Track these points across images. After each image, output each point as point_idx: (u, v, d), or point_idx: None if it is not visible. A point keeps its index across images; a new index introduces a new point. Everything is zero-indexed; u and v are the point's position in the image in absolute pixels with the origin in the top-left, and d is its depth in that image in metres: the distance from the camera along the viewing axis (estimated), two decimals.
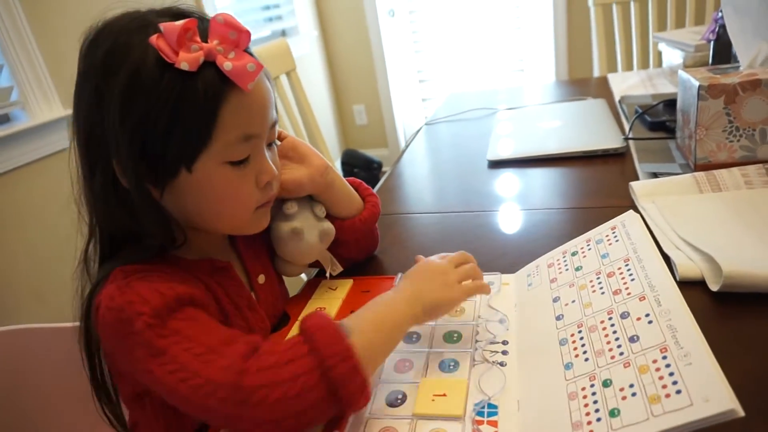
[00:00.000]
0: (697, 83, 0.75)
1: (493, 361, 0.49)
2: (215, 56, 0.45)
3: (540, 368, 0.45)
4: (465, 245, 0.75)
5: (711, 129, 0.76)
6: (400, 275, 0.66)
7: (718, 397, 0.31)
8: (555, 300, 0.52)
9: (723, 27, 1.08)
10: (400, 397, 0.47)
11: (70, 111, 1.51)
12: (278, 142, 0.61)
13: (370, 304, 0.50)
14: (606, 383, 0.38)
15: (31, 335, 0.76)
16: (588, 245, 0.55)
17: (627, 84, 1.40)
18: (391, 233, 0.82)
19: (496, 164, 1.04)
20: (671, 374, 0.34)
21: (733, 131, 0.76)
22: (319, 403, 0.41)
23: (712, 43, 1.14)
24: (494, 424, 0.43)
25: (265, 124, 0.51)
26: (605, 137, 1.02)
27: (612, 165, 0.94)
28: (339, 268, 0.69)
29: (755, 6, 0.88)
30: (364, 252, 0.73)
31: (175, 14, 0.47)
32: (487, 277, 0.62)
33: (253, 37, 0.48)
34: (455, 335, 0.54)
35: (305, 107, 1.42)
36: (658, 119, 1.01)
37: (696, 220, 0.65)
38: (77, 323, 0.53)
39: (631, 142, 0.98)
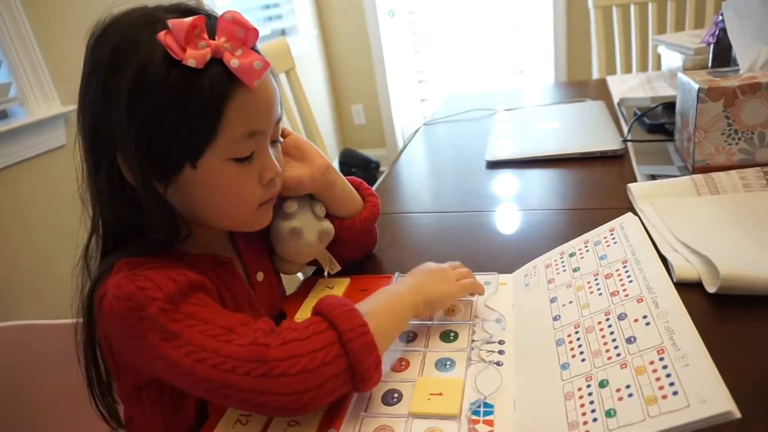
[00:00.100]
0: (696, 86, 0.75)
1: (490, 361, 0.49)
2: (222, 53, 0.45)
3: (536, 368, 0.45)
4: (463, 245, 0.76)
5: (710, 132, 0.76)
6: (397, 274, 0.66)
7: (715, 398, 0.31)
8: (552, 300, 0.52)
9: (723, 30, 1.08)
10: (396, 395, 0.47)
11: (68, 108, 1.51)
12: (281, 140, 0.61)
13: (376, 293, 0.52)
14: (602, 384, 0.38)
15: (29, 331, 0.76)
16: (586, 246, 0.55)
17: (626, 86, 1.41)
18: (388, 233, 0.82)
19: (495, 165, 1.04)
20: (668, 375, 0.34)
21: (732, 134, 0.76)
22: (338, 375, 0.42)
23: (711, 46, 1.15)
24: (490, 423, 0.42)
25: (270, 121, 0.51)
26: (604, 139, 1.02)
27: (610, 167, 0.94)
28: (337, 267, 0.68)
29: (756, 9, 0.88)
30: (362, 251, 0.73)
31: (183, 11, 0.47)
32: (485, 277, 0.62)
33: None
34: (452, 335, 0.54)
35: (304, 106, 1.42)
36: (657, 121, 1.01)
37: (694, 223, 0.65)
38: (75, 320, 0.53)
39: (629, 144, 0.98)
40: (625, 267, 0.48)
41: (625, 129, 1.05)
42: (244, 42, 0.46)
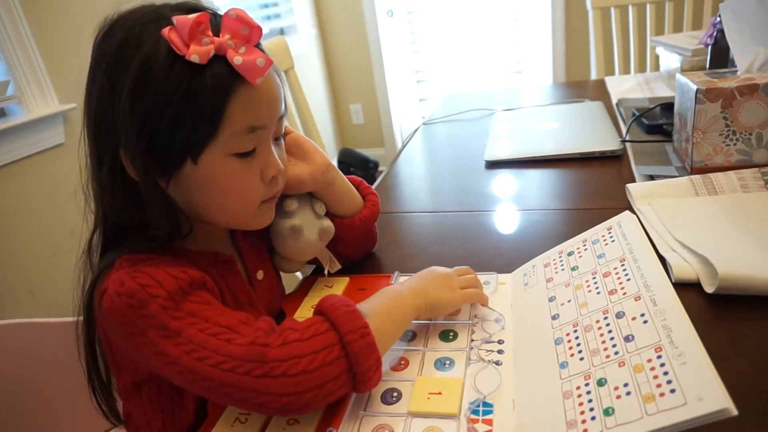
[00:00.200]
0: (694, 87, 0.75)
1: (489, 360, 0.49)
2: (226, 50, 0.45)
3: (535, 367, 0.46)
4: (462, 245, 0.76)
5: (708, 132, 0.77)
6: (396, 273, 0.67)
7: (712, 396, 0.31)
8: (551, 299, 0.52)
9: (721, 32, 1.08)
10: (395, 394, 0.47)
11: (66, 106, 1.51)
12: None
13: (379, 293, 0.52)
14: (601, 382, 0.38)
15: (27, 330, 0.76)
16: (584, 245, 0.55)
17: (624, 87, 1.41)
18: (387, 232, 0.82)
19: (494, 165, 1.04)
20: (666, 373, 0.35)
21: (730, 135, 0.76)
22: (338, 376, 0.42)
23: (709, 47, 1.15)
24: (489, 422, 0.43)
25: (273, 117, 0.51)
26: (602, 139, 1.02)
27: (609, 167, 0.94)
28: (337, 266, 0.69)
29: (754, 11, 0.89)
30: (362, 250, 0.74)
31: (190, 9, 0.47)
32: (484, 277, 0.62)
33: None
34: (451, 334, 0.54)
35: (303, 106, 1.42)
36: (655, 122, 1.02)
37: (692, 223, 0.65)
38: (73, 318, 0.53)
39: (627, 144, 0.99)
40: (623, 265, 0.48)
41: (624, 129, 1.05)
42: (248, 40, 0.47)
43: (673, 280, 0.56)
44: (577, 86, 1.62)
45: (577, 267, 0.53)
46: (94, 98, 0.48)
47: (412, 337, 0.55)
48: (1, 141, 1.35)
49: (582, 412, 0.37)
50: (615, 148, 0.97)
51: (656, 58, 1.64)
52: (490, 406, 0.44)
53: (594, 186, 0.89)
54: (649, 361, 0.36)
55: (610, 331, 0.42)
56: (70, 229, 1.45)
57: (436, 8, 3.03)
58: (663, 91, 1.31)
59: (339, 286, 0.67)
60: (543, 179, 0.96)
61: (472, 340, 0.53)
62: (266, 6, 2.74)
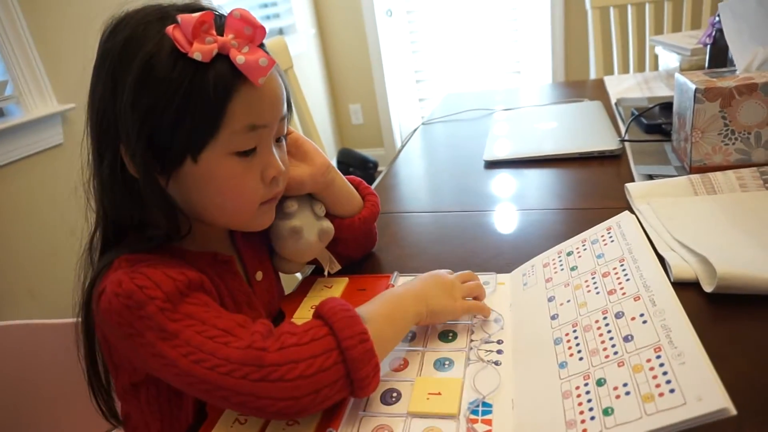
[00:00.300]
0: (693, 86, 0.75)
1: (488, 361, 0.49)
2: (229, 49, 0.45)
3: (534, 367, 0.46)
4: (461, 245, 0.76)
5: (707, 132, 0.77)
6: (396, 274, 0.67)
7: (711, 395, 0.31)
8: (550, 299, 0.52)
9: (720, 31, 1.08)
10: (394, 395, 0.47)
11: (65, 106, 1.51)
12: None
13: (380, 297, 0.52)
14: (600, 382, 0.38)
15: (27, 331, 0.76)
16: (583, 245, 0.55)
17: (623, 86, 1.41)
18: (387, 232, 0.82)
19: (493, 164, 1.04)
20: (665, 373, 0.35)
21: (729, 134, 0.76)
22: (335, 382, 0.42)
23: (708, 47, 1.15)
24: (488, 422, 0.43)
25: (275, 117, 0.51)
26: (601, 139, 1.02)
27: (608, 167, 0.94)
28: (337, 266, 0.69)
29: (753, 11, 0.89)
30: (362, 250, 0.74)
31: (195, 9, 0.47)
32: (483, 277, 0.62)
33: None
34: (450, 334, 0.54)
35: (302, 106, 1.42)
36: (654, 122, 1.02)
37: (691, 223, 0.65)
38: (72, 319, 0.53)
39: (627, 144, 0.99)
40: (622, 265, 0.48)
41: (623, 129, 1.06)
42: (252, 39, 0.47)
43: (672, 280, 0.56)
44: (576, 86, 1.62)
45: (577, 267, 0.53)
46: (97, 95, 0.48)
47: (411, 337, 0.55)
48: None
49: (581, 412, 0.37)
50: (614, 148, 0.97)
51: (655, 57, 1.64)
52: (490, 406, 0.44)
53: (593, 186, 0.89)
54: (649, 361, 0.36)
55: (609, 331, 0.42)
56: (69, 229, 1.45)
57: (435, 8, 3.03)
58: (662, 91, 1.31)
59: (338, 287, 0.67)
60: (542, 179, 0.96)
61: (472, 341, 0.53)
62: (265, 6, 2.74)
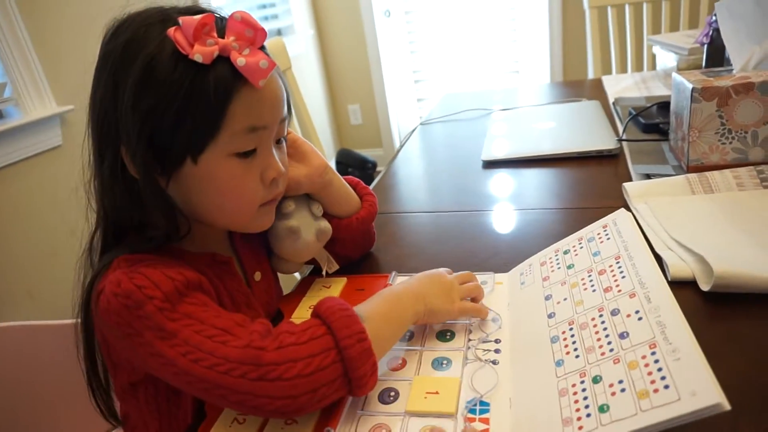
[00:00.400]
0: (690, 86, 0.76)
1: (486, 360, 0.50)
2: (230, 51, 0.46)
3: (531, 366, 0.46)
4: (459, 244, 0.76)
5: (704, 131, 0.77)
6: (394, 274, 0.67)
7: (705, 391, 0.31)
8: (547, 298, 0.52)
9: (717, 30, 1.09)
10: (392, 394, 0.48)
11: (64, 108, 1.50)
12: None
13: (378, 295, 0.52)
14: (596, 379, 0.38)
15: (26, 332, 0.76)
16: (580, 243, 0.55)
17: (621, 86, 1.41)
18: (385, 232, 0.82)
19: (491, 164, 1.04)
20: (660, 369, 0.35)
21: (726, 134, 0.76)
22: (333, 381, 0.42)
23: (705, 46, 1.15)
24: (486, 421, 0.43)
25: (275, 119, 0.51)
26: (599, 138, 1.02)
27: (605, 166, 0.94)
28: (335, 266, 0.69)
29: (750, 10, 0.89)
30: (359, 250, 0.74)
31: (197, 12, 0.48)
32: (481, 277, 0.62)
33: None
34: (448, 334, 0.54)
35: (300, 106, 1.42)
36: (652, 121, 1.02)
37: (688, 222, 0.65)
38: (71, 320, 0.53)
39: (624, 143, 0.99)
40: (618, 263, 0.48)
41: (621, 128, 1.06)
42: (253, 42, 0.47)
43: (669, 279, 0.56)
44: (575, 85, 1.63)
45: (573, 265, 0.53)
46: (98, 96, 0.49)
47: (410, 336, 0.55)
48: None
49: (577, 410, 0.37)
50: (612, 147, 0.97)
51: (653, 57, 1.64)
52: (487, 405, 0.44)
53: (591, 185, 0.89)
54: (644, 357, 0.37)
55: (605, 329, 0.42)
56: (68, 230, 1.45)
57: (433, 8, 3.03)
58: (659, 90, 1.32)
59: (336, 287, 0.67)
60: (540, 179, 0.96)
61: (470, 340, 0.53)
62: (264, 7, 2.74)
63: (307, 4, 3.02)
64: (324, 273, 0.68)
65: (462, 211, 0.87)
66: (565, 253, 0.56)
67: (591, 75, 1.87)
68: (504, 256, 0.69)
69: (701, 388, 0.31)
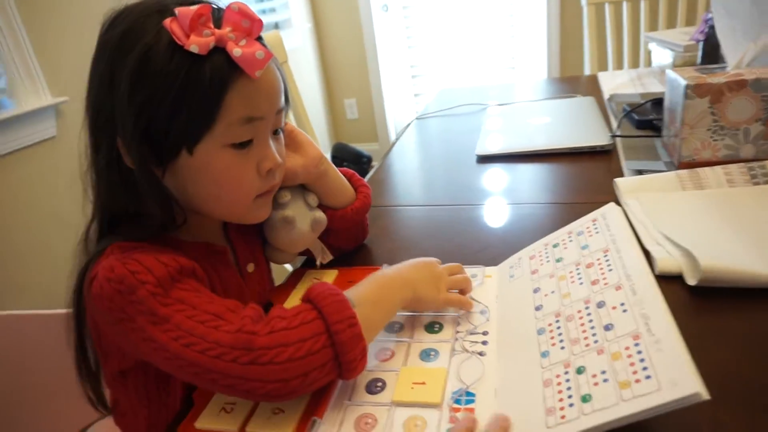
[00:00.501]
0: (683, 82, 0.76)
1: (473, 351, 0.50)
2: (226, 42, 0.46)
3: (517, 357, 0.46)
4: (451, 238, 0.76)
5: (696, 128, 0.77)
6: (385, 266, 0.67)
7: (685, 381, 0.31)
8: (535, 291, 0.52)
9: (712, 28, 1.09)
10: (379, 384, 0.48)
11: (58, 99, 1.50)
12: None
13: (369, 280, 0.52)
14: (580, 370, 0.39)
15: (16, 322, 0.76)
16: (569, 237, 0.56)
17: (616, 82, 1.41)
18: (378, 224, 0.82)
19: (485, 159, 1.04)
20: (642, 360, 0.35)
21: (718, 130, 0.76)
22: (324, 365, 0.43)
23: (701, 43, 1.16)
24: (471, 411, 0.43)
25: (271, 109, 0.51)
26: (593, 134, 1.03)
27: (599, 162, 0.95)
28: (329, 257, 0.69)
29: (745, 7, 0.89)
30: (353, 241, 0.74)
31: (194, 2, 0.48)
32: (471, 270, 0.62)
33: None
34: (437, 326, 0.55)
35: (296, 100, 1.42)
36: (646, 117, 1.02)
37: (677, 217, 0.66)
38: (61, 310, 0.53)
39: (618, 139, 0.99)
40: (606, 256, 0.48)
41: (614, 124, 1.06)
42: (249, 33, 0.47)
43: (656, 273, 0.57)
44: (571, 81, 1.63)
45: (562, 258, 0.53)
46: (95, 86, 0.49)
47: (399, 328, 0.55)
48: None
49: (561, 399, 0.38)
50: (605, 143, 0.97)
51: (649, 53, 1.64)
52: (473, 395, 0.45)
53: (584, 180, 0.89)
54: (627, 348, 0.37)
55: (591, 321, 0.42)
56: (62, 221, 1.45)
57: (431, 3, 3.02)
58: (655, 87, 1.32)
59: (328, 279, 0.67)
60: (533, 173, 0.96)
61: (458, 332, 0.53)
62: (261, 0, 2.73)
63: None
64: (318, 263, 0.68)
65: (455, 205, 0.88)
66: (555, 246, 0.57)
67: (587, 71, 1.87)
68: (495, 250, 0.69)
69: (682, 379, 0.32)
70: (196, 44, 0.44)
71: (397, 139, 1.30)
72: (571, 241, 0.55)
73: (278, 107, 0.52)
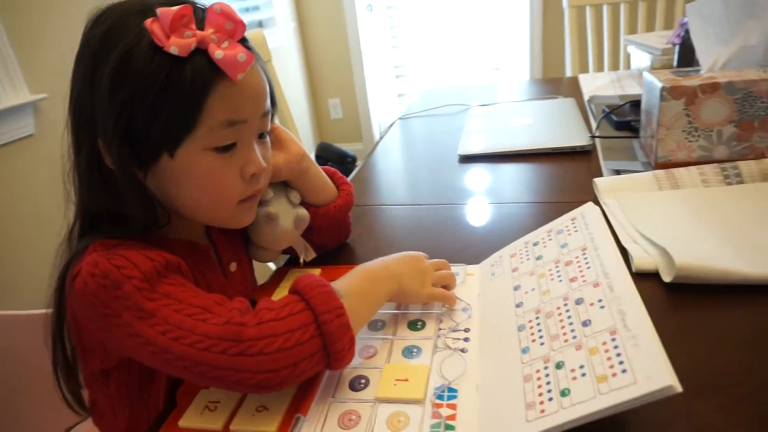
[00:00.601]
0: (659, 84, 0.78)
1: (455, 348, 0.51)
2: (208, 44, 0.45)
3: (498, 353, 0.47)
4: (434, 237, 0.77)
5: (672, 129, 0.79)
6: None
7: (659, 374, 0.33)
8: (516, 288, 0.53)
9: (688, 32, 1.11)
10: (363, 381, 0.48)
11: (37, 96, 1.48)
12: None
13: (355, 272, 0.53)
14: (559, 365, 0.40)
15: None
16: (549, 235, 0.57)
17: (596, 84, 1.44)
18: (362, 223, 0.83)
19: (467, 159, 1.05)
20: (618, 355, 0.36)
21: (692, 131, 0.79)
22: (313, 355, 0.43)
23: (677, 47, 1.18)
24: (453, 407, 0.44)
25: (255, 113, 0.51)
26: (573, 135, 1.04)
27: (579, 162, 0.96)
28: (312, 255, 0.69)
29: (718, 13, 0.91)
30: (336, 239, 0.74)
31: (178, 2, 0.47)
32: (453, 268, 0.63)
33: None
34: (419, 323, 0.55)
35: (280, 99, 1.42)
36: (624, 119, 1.04)
37: (654, 216, 0.67)
38: (41, 311, 0.52)
39: (597, 140, 1.01)
40: (584, 254, 0.49)
41: (594, 125, 1.08)
42: (232, 35, 0.47)
43: (633, 270, 0.58)
44: (552, 83, 1.65)
45: (542, 256, 0.55)
46: (77, 84, 0.48)
47: (382, 326, 0.56)
48: None
49: (540, 394, 0.38)
50: (585, 144, 0.99)
51: (628, 56, 1.67)
52: (455, 391, 0.45)
53: (564, 180, 0.91)
54: (604, 343, 0.38)
55: (569, 317, 0.43)
56: (41, 220, 1.43)
57: (415, 4, 3.04)
58: (634, 89, 1.34)
59: None
60: (515, 173, 0.97)
61: (440, 329, 0.54)
62: None
63: None
64: (301, 261, 0.68)
65: (438, 204, 0.88)
66: (535, 245, 0.58)
67: (569, 73, 1.89)
68: (477, 249, 0.70)
69: (656, 372, 0.33)
70: (176, 45, 0.44)
71: (380, 138, 1.30)
72: (550, 239, 0.56)
73: (263, 110, 0.52)
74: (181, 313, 0.43)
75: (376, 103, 3.30)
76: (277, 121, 1.50)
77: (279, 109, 1.41)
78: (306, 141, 3.12)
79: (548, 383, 0.39)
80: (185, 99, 0.45)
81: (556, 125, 1.15)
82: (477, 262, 0.65)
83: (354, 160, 3.14)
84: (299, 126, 1.61)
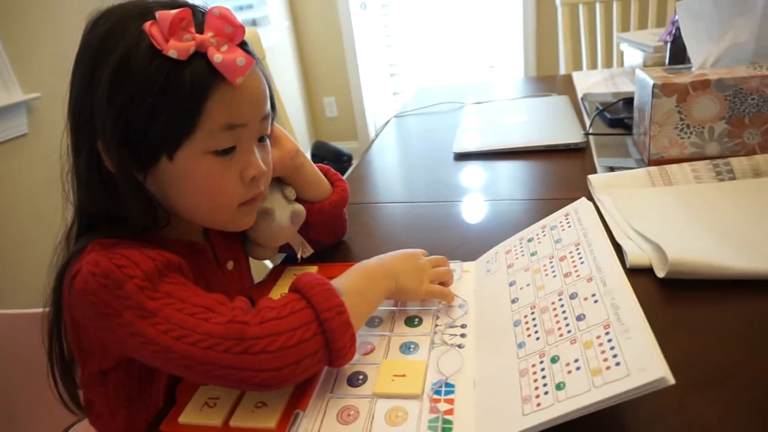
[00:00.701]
0: (651, 81, 0.78)
1: (452, 344, 0.51)
2: (207, 48, 0.45)
3: (495, 349, 0.48)
4: (429, 234, 0.78)
5: (664, 126, 0.80)
6: None
7: (652, 367, 0.33)
8: (511, 284, 0.54)
9: (679, 29, 1.12)
10: (361, 377, 0.49)
11: (30, 95, 1.47)
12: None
13: (354, 270, 0.53)
14: (554, 359, 0.40)
15: None
16: (543, 231, 0.57)
17: (590, 82, 1.45)
18: (358, 221, 0.83)
19: (462, 156, 1.06)
20: (612, 348, 0.37)
21: (684, 128, 0.79)
22: (315, 352, 0.44)
23: (669, 44, 1.19)
24: (450, 402, 0.44)
25: (255, 116, 0.51)
26: (567, 132, 1.05)
27: (573, 159, 0.97)
28: (309, 251, 0.70)
29: (708, 10, 0.92)
30: (332, 236, 0.75)
31: (179, 6, 0.47)
32: (450, 265, 0.64)
33: None
34: (416, 320, 0.56)
35: (275, 98, 1.42)
36: (617, 116, 1.05)
37: (647, 212, 0.68)
38: (37, 309, 0.52)
39: (591, 137, 1.02)
40: (577, 249, 0.50)
41: (588, 123, 1.09)
42: (231, 38, 0.47)
43: (627, 266, 0.59)
44: (546, 80, 1.66)
45: (536, 252, 0.55)
46: (76, 86, 0.48)
47: (379, 322, 0.56)
48: None
49: (536, 388, 0.39)
50: (578, 141, 1.00)
51: (621, 54, 1.69)
52: (452, 386, 0.46)
53: (558, 177, 0.91)
54: (598, 337, 0.39)
55: (564, 312, 0.44)
56: (35, 220, 1.42)
57: (409, 2, 3.04)
58: (627, 86, 1.35)
59: None
60: (510, 171, 0.98)
61: (437, 325, 0.54)
62: None
63: None
64: (299, 257, 0.69)
65: (433, 201, 0.89)
66: (529, 241, 0.58)
67: (563, 71, 1.90)
68: (472, 245, 0.70)
69: (649, 365, 0.33)
70: (175, 49, 0.44)
71: (375, 137, 1.31)
72: (545, 235, 0.57)
73: (262, 114, 0.52)
74: (183, 312, 0.43)
75: (371, 101, 3.30)
76: None
77: None
78: (301, 139, 3.12)
79: (544, 377, 0.39)
80: (184, 102, 0.45)
81: (550, 123, 1.16)
82: (473, 259, 0.66)
83: (350, 158, 3.14)
84: (294, 125, 1.61)
